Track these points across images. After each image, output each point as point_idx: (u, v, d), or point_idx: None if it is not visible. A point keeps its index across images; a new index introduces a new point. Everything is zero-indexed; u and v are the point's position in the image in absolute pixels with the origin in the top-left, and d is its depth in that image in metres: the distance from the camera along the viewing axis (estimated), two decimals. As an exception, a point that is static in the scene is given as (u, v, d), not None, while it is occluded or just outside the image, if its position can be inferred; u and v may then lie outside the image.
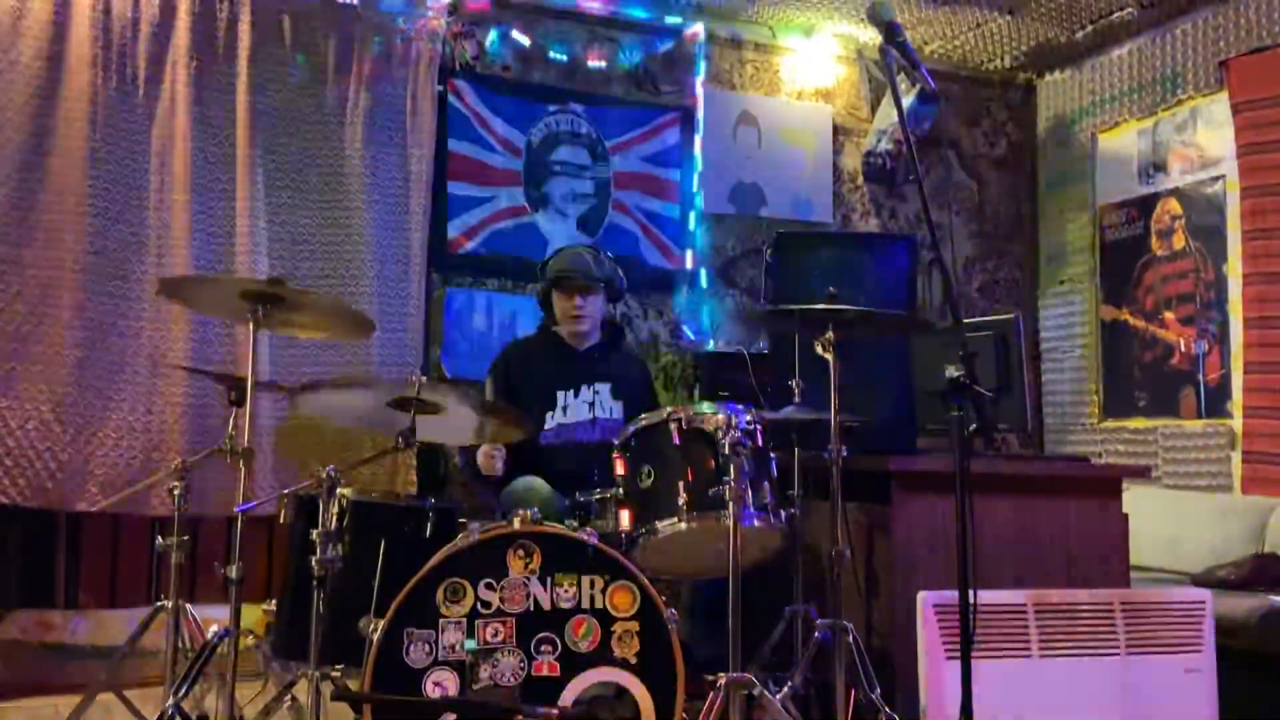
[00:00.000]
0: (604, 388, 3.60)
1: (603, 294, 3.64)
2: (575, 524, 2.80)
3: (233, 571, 2.61)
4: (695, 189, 5.07)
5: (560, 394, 3.56)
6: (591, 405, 3.57)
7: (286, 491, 2.83)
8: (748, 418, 2.81)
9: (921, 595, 2.71)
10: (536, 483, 3.31)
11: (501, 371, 3.69)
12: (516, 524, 2.54)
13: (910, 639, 2.74)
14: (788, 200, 5.27)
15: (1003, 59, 5.58)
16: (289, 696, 2.64)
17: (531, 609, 2.48)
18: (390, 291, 4.38)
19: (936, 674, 2.65)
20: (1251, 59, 4.59)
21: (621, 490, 2.86)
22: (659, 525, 2.75)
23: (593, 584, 2.52)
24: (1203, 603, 2.84)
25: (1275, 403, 4.43)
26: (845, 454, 2.88)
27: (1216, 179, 4.80)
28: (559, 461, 3.44)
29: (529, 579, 2.49)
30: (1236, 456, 4.59)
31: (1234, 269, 4.68)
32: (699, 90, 5.11)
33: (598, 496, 2.92)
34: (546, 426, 3.53)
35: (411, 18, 4.51)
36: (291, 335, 3.35)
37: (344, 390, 3.01)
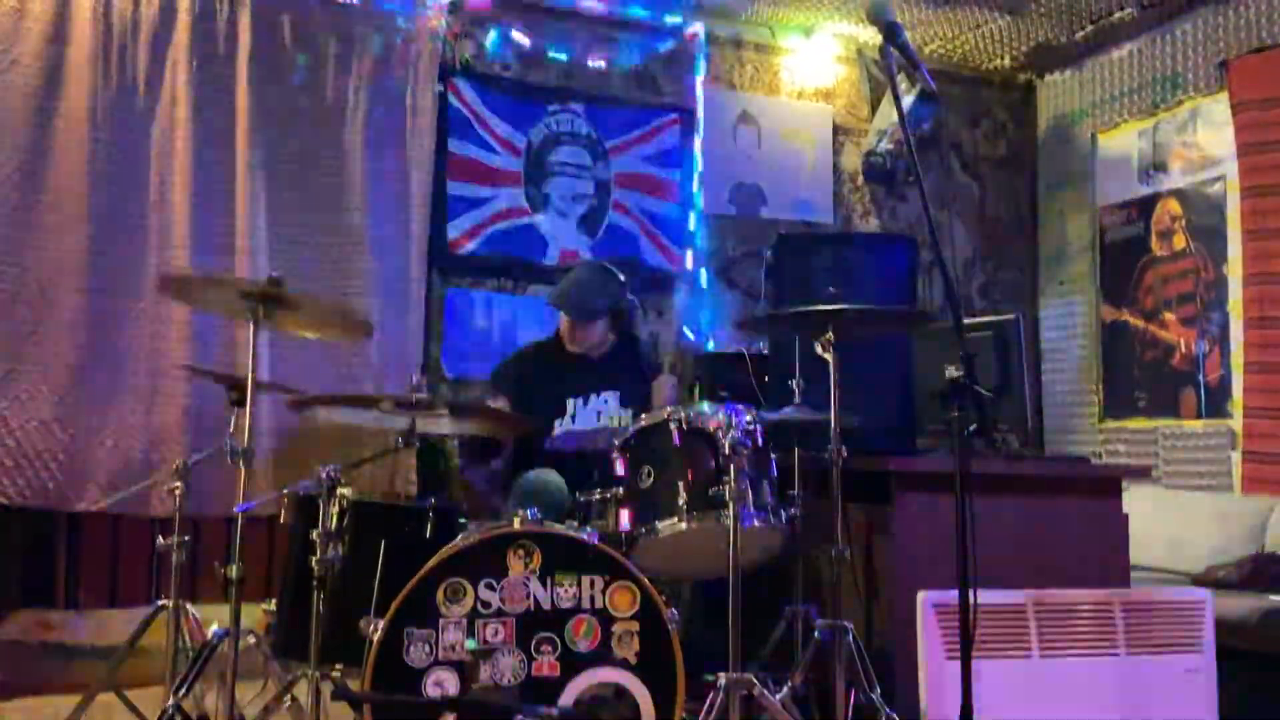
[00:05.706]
0: (612, 396, 3.60)
1: (603, 320, 3.63)
2: (575, 524, 2.80)
3: (233, 571, 2.61)
4: (695, 189, 5.07)
5: (571, 401, 3.57)
6: (599, 415, 3.57)
7: (286, 491, 2.83)
8: (748, 418, 2.80)
9: (921, 595, 2.71)
10: (550, 475, 3.31)
11: (513, 376, 3.69)
12: (516, 524, 2.54)
13: (910, 639, 2.73)
14: (788, 200, 5.27)
15: (1003, 59, 5.58)
16: (289, 696, 2.64)
17: (532, 609, 2.48)
18: (390, 291, 4.38)
19: (936, 674, 2.64)
20: (1251, 59, 4.59)
21: (621, 490, 2.86)
22: (659, 525, 2.75)
23: (593, 584, 2.51)
24: (1203, 603, 2.84)
25: (1275, 403, 4.43)
26: (845, 454, 2.88)
27: (1216, 179, 4.79)
28: (564, 469, 3.43)
29: (529, 579, 2.49)
30: (1236, 456, 4.59)
31: (1234, 269, 4.68)
32: (699, 90, 5.11)
33: (598, 496, 2.92)
34: (555, 433, 3.52)
35: (411, 17, 4.51)
36: (290, 335, 3.33)
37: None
